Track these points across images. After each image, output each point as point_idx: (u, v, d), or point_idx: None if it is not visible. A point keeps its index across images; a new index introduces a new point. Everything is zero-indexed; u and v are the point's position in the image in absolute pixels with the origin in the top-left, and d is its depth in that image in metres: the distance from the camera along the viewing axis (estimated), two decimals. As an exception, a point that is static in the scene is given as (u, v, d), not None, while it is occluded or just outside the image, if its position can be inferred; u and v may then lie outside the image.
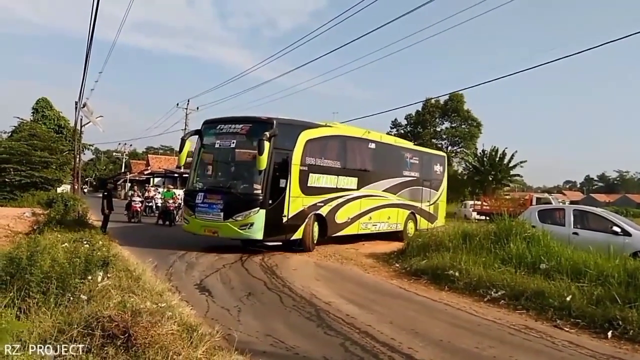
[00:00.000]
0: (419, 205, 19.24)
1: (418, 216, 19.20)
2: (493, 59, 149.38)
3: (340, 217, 14.90)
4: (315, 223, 13.94)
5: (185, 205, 13.98)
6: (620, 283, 7.81)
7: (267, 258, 12.21)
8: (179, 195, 24.77)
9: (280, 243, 13.47)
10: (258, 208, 12.12)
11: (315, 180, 13.80)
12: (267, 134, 11.94)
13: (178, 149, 11.65)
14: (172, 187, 27.45)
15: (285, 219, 12.73)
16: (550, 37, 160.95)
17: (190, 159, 14.90)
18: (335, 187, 14.63)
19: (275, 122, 12.56)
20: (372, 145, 16.70)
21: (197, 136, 13.74)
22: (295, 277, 9.76)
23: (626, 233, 11.34)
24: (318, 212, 13.92)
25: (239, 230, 12.13)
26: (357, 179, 15.56)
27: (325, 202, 14.22)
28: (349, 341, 5.83)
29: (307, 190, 13.46)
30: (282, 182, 12.65)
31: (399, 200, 17.92)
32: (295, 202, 12.98)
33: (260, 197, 12.19)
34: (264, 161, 11.76)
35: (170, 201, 22.33)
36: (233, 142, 12.83)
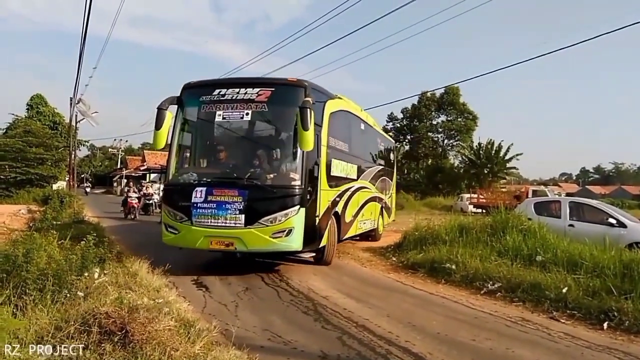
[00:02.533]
0: (385, 198, 16.74)
1: (385, 211, 16.80)
2: (490, 51, 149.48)
3: (348, 215, 11.91)
4: (335, 225, 10.73)
5: (168, 207, 9.33)
6: (616, 274, 7.84)
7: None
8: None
9: (312, 256, 10.58)
10: (298, 206, 8.69)
11: (335, 167, 10.69)
12: (309, 99, 8.58)
13: (154, 125, 8.81)
14: None
15: (317, 220, 9.49)
16: (543, 31, 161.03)
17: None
18: (346, 176, 11.67)
19: (308, 85, 9.17)
20: (363, 127, 13.95)
21: (177, 106, 9.69)
22: (292, 271, 9.77)
23: (622, 225, 11.39)
24: (336, 209, 10.74)
25: (272, 240, 8.52)
26: (357, 166, 12.67)
27: (340, 196, 11.14)
28: (347, 335, 5.85)
29: (330, 180, 10.30)
30: (315, 170, 9.42)
31: (377, 192, 15.23)
32: (323, 196, 9.80)
33: (300, 191, 8.76)
34: (310, 139, 8.33)
35: None
36: (247, 113, 8.98)
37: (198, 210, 8.64)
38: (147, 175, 52.42)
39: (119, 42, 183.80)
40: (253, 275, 9.30)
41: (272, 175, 8.94)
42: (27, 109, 44.97)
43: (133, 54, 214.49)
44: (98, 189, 65.76)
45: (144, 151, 72.15)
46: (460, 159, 61.23)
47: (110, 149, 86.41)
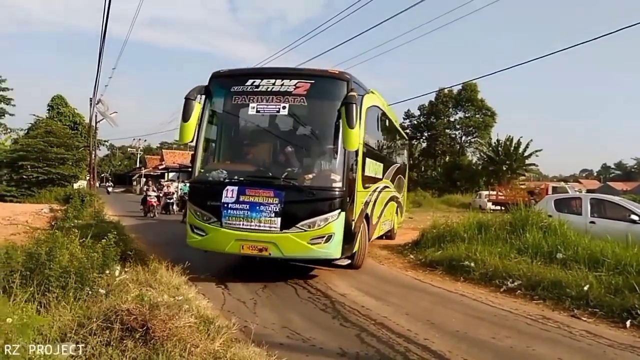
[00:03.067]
0: (400, 197, 16.13)
1: (399, 210, 16.23)
2: (511, 44, 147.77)
3: (375, 216, 11.28)
4: (366, 228, 10.11)
5: (194, 206, 8.60)
6: (639, 272, 7.72)
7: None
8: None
9: (347, 262, 9.70)
10: (339, 210, 8.02)
11: (368, 167, 10.07)
12: (354, 94, 8.09)
13: (181, 117, 8.19)
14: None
15: (353, 225, 8.84)
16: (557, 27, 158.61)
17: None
18: (374, 176, 11.01)
19: (350, 78, 8.56)
20: (388, 123, 13.25)
21: (204, 97, 8.96)
22: (310, 269, 9.78)
23: (644, 220, 11.20)
24: (366, 211, 10.11)
25: (310, 246, 7.88)
26: (382, 165, 11.97)
27: (370, 197, 10.51)
28: (365, 332, 5.85)
29: (364, 181, 9.69)
30: (354, 170, 8.78)
31: (395, 191, 14.64)
32: (359, 198, 9.13)
33: (341, 194, 8.10)
34: (356, 137, 7.93)
35: None
36: (283, 107, 8.27)
37: (229, 211, 7.97)
38: (166, 174, 52.92)
39: (136, 43, 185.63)
40: (271, 272, 9.31)
41: (311, 176, 8.26)
42: (48, 109, 45.78)
43: (149, 55, 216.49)
44: (118, 188, 66.53)
45: (163, 150, 72.90)
46: (478, 155, 60.76)
47: (129, 149, 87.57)
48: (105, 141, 57.39)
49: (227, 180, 8.24)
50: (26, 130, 41.19)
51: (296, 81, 8.36)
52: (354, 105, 7.74)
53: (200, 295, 6.97)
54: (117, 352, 4.00)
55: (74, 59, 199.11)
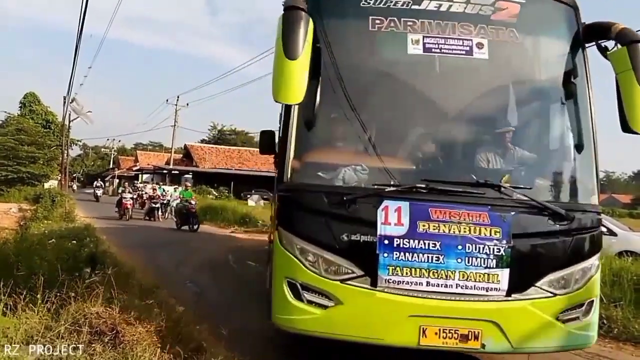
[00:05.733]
0: None
1: None
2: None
3: None
4: None
5: (300, 242, 4.26)
6: (606, 282, 7.89)
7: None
8: (168, 191, 24.43)
9: None
10: (599, 251, 4.57)
11: None
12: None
13: (283, 47, 3.91)
14: (189, 185, 22.72)
15: None
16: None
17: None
18: None
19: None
20: None
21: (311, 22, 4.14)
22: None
23: (612, 233, 11.50)
24: None
25: (561, 325, 4.25)
26: None
27: None
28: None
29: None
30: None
31: None
32: None
33: (599, 217, 4.65)
34: None
35: (193, 202, 18.62)
36: (478, 46, 4.50)
37: (394, 254, 4.04)
38: (140, 175, 52.26)
39: (111, 41, 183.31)
40: (244, 273, 9.23)
41: (548, 183, 4.74)
42: (20, 107, 44.89)
43: (124, 53, 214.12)
44: (89, 188, 65.51)
45: (137, 151, 72.05)
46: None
47: (102, 149, 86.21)
48: (78, 140, 56.58)
49: (384, 189, 4.22)
50: (-4, 128, 40.33)
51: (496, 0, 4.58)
52: None
53: (172, 299, 6.89)
54: (86, 356, 3.93)
55: (48, 56, 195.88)
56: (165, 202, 22.60)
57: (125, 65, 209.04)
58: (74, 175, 74.09)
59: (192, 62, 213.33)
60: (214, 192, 35.95)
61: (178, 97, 46.36)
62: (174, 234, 17.26)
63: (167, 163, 47.56)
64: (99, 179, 39.63)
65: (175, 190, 24.87)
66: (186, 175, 37.66)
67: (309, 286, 4.19)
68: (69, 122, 39.38)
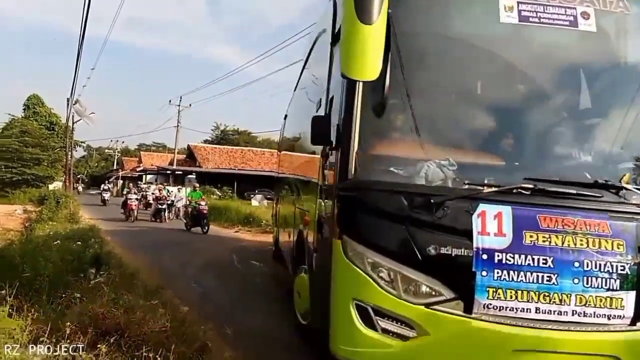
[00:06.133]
0: None
1: None
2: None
3: None
4: None
5: (369, 253, 3.45)
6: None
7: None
8: (172, 192, 24.39)
9: None
10: None
11: None
12: None
13: (357, 11, 3.17)
14: (197, 185, 21.81)
15: None
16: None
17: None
18: None
19: None
20: None
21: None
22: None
23: None
24: None
25: None
26: None
27: None
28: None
29: None
30: None
31: None
32: None
33: None
34: None
35: (203, 203, 17.83)
36: (584, 16, 3.76)
37: (495, 272, 3.32)
38: (144, 176, 52.36)
39: (113, 43, 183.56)
40: (249, 273, 9.21)
41: None
42: (24, 109, 45.07)
43: (127, 55, 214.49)
44: (94, 190, 65.69)
45: (140, 152, 72.15)
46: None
47: (106, 150, 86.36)
48: (82, 142, 56.76)
49: (480, 190, 3.48)
50: (0, 130, 40.45)
51: None
52: None
53: (177, 299, 6.90)
54: (91, 357, 3.95)
55: (52, 58, 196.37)
56: (169, 202, 22.52)
57: (127, 67, 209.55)
58: (79, 176, 74.37)
59: (195, 63, 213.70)
60: (218, 192, 35.95)
61: (181, 97, 46.44)
62: (180, 234, 17.16)
63: (171, 163, 47.64)
64: (107, 182, 39.17)
65: (179, 191, 24.82)
66: (190, 176, 37.69)
67: (384, 311, 3.41)
68: (73, 123, 39.45)
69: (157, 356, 4.08)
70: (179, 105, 46.30)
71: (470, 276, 3.27)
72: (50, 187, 34.40)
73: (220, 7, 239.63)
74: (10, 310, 4.81)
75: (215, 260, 10.79)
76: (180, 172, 41.27)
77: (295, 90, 9.21)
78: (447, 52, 4.04)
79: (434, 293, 3.35)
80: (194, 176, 35.79)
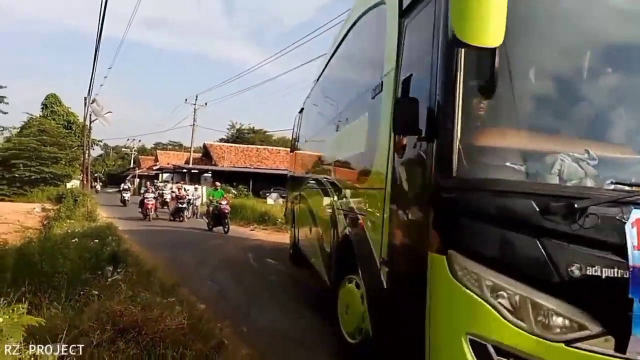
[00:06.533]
0: None
1: None
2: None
3: None
4: None
5: (485, 273, 2.62)
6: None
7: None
8: (188, 191, 24.43)
9: None
10: None
11: None
12: None
13: None
14: (218, 184, 21.44)
15: None
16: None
17: None
18: None
19: None
20: None
21: None
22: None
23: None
24: None
25: None
26: None
27: None
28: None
29: None
30: None
31: None
32: None
33: None
34: None
35: (224, 202, 17.46)
36: None
37: None
38: (160, 174, 52.76)
39: (131, 43, 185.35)
40: (264, 271, 9.23)
41: None
42: (42, 108, 45.63)
43: (144, 55, 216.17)
44: (111, 188, 66.28)
45: (157, 151, 72.72)
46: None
47: (123, 149, 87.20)
48: (99, 141, 57.38)
49: (634, 192, 2.63)
50: (19, 129, 41.00)
51: None
52: None
53: (194, 297, 6.92)
54: (109, 353, 3.97)
55: (69, 58, 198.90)
56: (188, 201, 22.54)
57: (144, 66, 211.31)
58: (96, 175, 75.16)
59: (210, 62, 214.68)
60: (233, 191, 36.07)
61: (197, 96, 46.65)
62: (200, 234, 17.12)
63: (187, 162, 47.94)
64: (126, 180, 39.19)
65: (196, 190, 24.88)
66: (205, 174, 37.87)
67: (509, 350, 2.60)
68: (90, 122, 39.85)
69: (174, 353, 4.09)
70: (194, 104, 46.52)
71: (624, 304, 2.48)
72: (68, 185, 34.77)
73: (235, 7, 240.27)
74: (29, 307, 4.85)
75: (231, 258, 10.81)
76: (196, 171, 41.50)
77: (317, 80, 8.79)
78: (591, 15, 3.05)
79: (575, 326, 2.55)
80: (210, 175, 35.93)
